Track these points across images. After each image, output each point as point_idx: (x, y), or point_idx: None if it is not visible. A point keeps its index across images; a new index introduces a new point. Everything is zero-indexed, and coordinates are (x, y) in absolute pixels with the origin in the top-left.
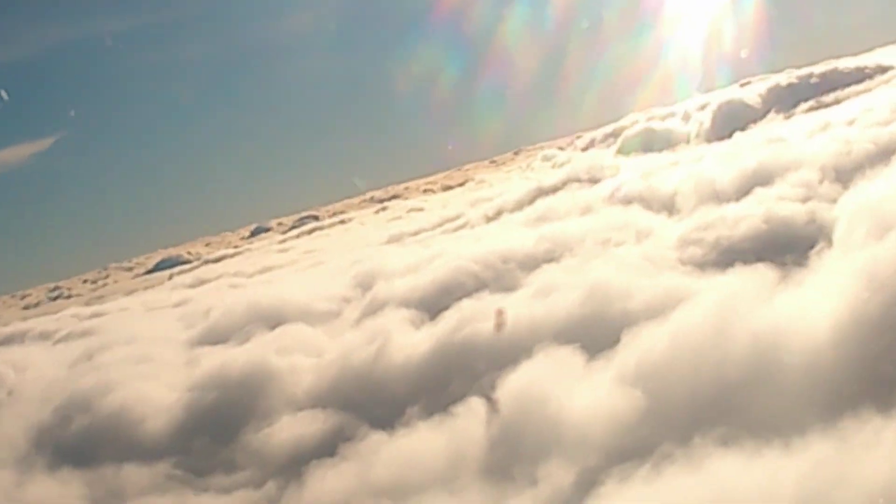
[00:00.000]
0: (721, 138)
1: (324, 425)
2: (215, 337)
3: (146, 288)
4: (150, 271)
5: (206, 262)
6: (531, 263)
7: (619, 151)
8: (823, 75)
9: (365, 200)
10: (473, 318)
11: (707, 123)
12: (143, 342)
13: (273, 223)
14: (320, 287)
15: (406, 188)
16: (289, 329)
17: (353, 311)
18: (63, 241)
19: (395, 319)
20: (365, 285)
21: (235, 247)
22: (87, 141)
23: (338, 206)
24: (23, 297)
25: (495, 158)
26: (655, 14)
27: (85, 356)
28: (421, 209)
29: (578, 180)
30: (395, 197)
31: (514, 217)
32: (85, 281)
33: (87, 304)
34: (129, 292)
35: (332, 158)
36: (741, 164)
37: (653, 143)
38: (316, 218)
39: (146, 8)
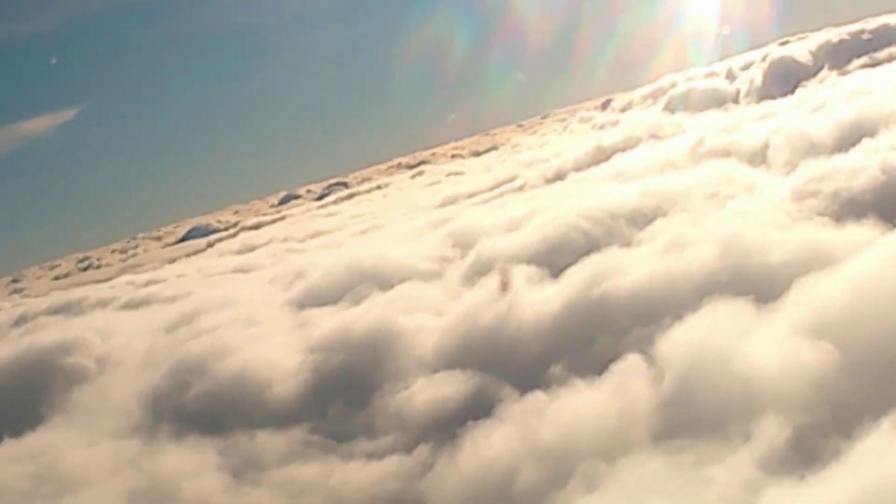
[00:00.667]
0: (774, 96)
1: (465, 386)
2: (319, 298)
3: (176, 257)
4: (180, 240)
5: (243, 228)
6: (641, 219)
7: (666, 110)
8: (875, 31)
9: (392, 166)
10: (605, 273)
11: (758, 81)
12: (242, 305)
13: (302, 190)
14: (410, 248)
15: (433, 154)
16: (405, 289)
17: (456, 271)
18: (90, 211)
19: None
20: (463, 244)
21: (264, 215)
22: (112, 110)
23: (365, 172)
24: (52, 268)
25: (522, 123)
26: None
27: (182, 320)
28: (460, 173)
29: (640, 138)
30: (422, 163)
31: (585, 175)
32: (114, 251)
33: (120, 272)
34: (163, 261)
35: (356, 125)
36: (836, 115)
37: (699, 101)
38: (345, 185)
39: None
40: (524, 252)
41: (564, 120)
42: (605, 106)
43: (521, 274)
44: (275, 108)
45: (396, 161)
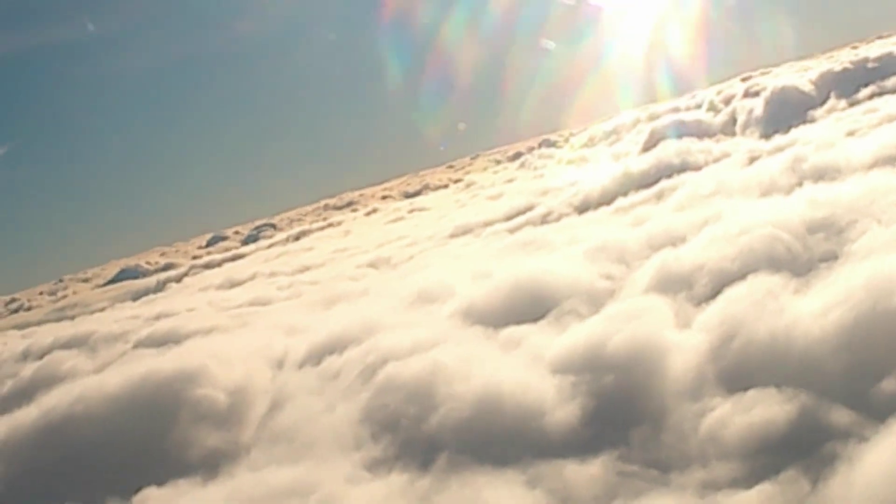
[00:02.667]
0: (780, 126)
1: (789, 406)
2: (506, 318)
3: (110, 298)
4: (110, 282)
5: (193, 268)
6: (837, 230)
7: (647, 143)
8: (880, 59)
9: (318, 208)
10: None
11: (758, 111)
12: (411, 326)
13: (229, 232)
14: (562, 265)
15: (361, 195)
16: (630, 305)
17: (635, 286)
18: (13, 253)
19: (756, 287)
20: (624, 261)
21: (194, 257)
22: (37, 151)
23: (291, 214)
24: None
25: (452, 164)
26: (594, 21)
27: (338, 345)
28: (424, 208)
29: (670, 164)
30: (350, 204)
31: (633, 200)
32: (41, 293)
33: (52, 314)
34: (96, 302)
35: (275, 167)
36: None
37: (683, 135)
38: (273, 226)
39: (93, 16)
40: (721, 265)
41: (499, 162)
42: (543, 144)
43: (758, 283)
44: (193, 149)
45: (323, 203)
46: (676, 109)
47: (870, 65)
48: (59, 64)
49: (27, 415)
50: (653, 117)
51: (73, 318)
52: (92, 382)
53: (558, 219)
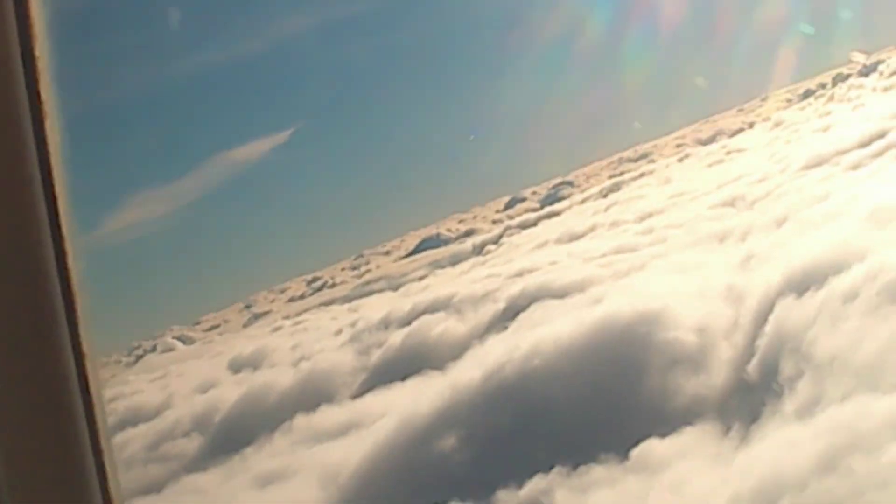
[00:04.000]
0: None
1: None
2: None
3: (414, 269)
4: (411, 253)
5: (508, 228)
6: None
7: None
8: None
9: (612, 163)
10: None
11: None
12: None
13: (527, 193)
14: None
15: (654, 146)
16: None
17: None
18: (310, 232)
19: None
20: None
21: (493, 221)
22: (324, 129)
23: (585, 170)
24: (282, 291)
25: (742, 107)
26: None
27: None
28: (743, 149)
29: None
30: (645, 156)
31: None
32: (343, 269)
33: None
34: (399, 275)
35: (558, 127)
36: None
37: None
38: (571, 184)
39: None
40: None
41: (789, 101)
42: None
43: None
44: (480, 113)
45: (616, 157)
46: None
47: None
48: (333, 45)
49: (466, 378)
50: None
51: (380, 291)
52: (539, 336)
53: None
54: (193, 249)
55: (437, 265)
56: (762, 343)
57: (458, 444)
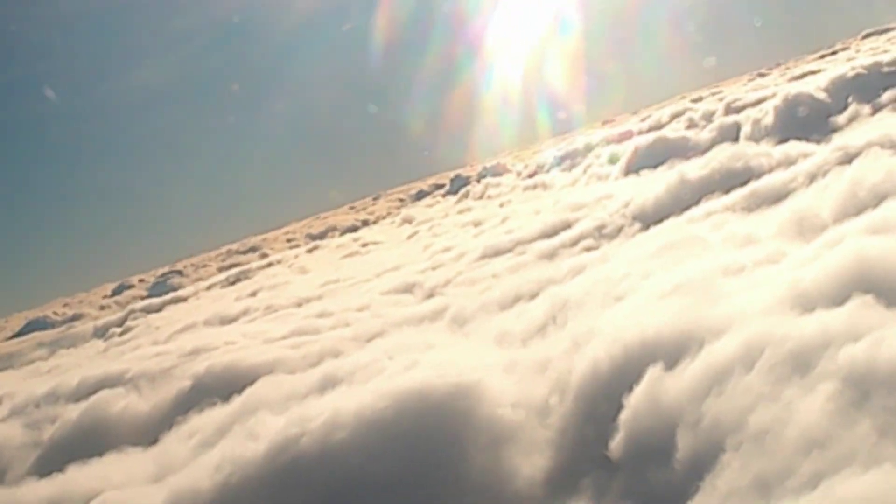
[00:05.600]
0: (796, 136)
1: None
2: None
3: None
4: (17, 334)
5: (132, 312)
6: None
7: (626, 169)
8: (894, 63)
9: (221, 254)
10: None
11: (768, 120)
12: None
13: (134, 280)
14: None
15: (264, 239)
16: None
17: None
18: None
19: None
20: None
21: (101, 307)
22: None
23: (194, 260)
24: None
25: (353, 205)
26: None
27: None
28: (376, 242)
29: (728, 170)
30: (254, 249)
31: (709, 208)
32: None
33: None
34: (6, 356)
35: (165, 216)
36: None
37: (668, 153)
38: (180, 273)
39: None
40: None
41: (402, 200)
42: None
43: None
44: (83, 199)
45: (225, 248)
46: (628, 134)
47: (884, 69)
48: None
49: (249, 453)
50: (609, 141)
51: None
52: (322, 407)
53: (618, 231)
54: None
55: (56, 345)
56: None
57: None
